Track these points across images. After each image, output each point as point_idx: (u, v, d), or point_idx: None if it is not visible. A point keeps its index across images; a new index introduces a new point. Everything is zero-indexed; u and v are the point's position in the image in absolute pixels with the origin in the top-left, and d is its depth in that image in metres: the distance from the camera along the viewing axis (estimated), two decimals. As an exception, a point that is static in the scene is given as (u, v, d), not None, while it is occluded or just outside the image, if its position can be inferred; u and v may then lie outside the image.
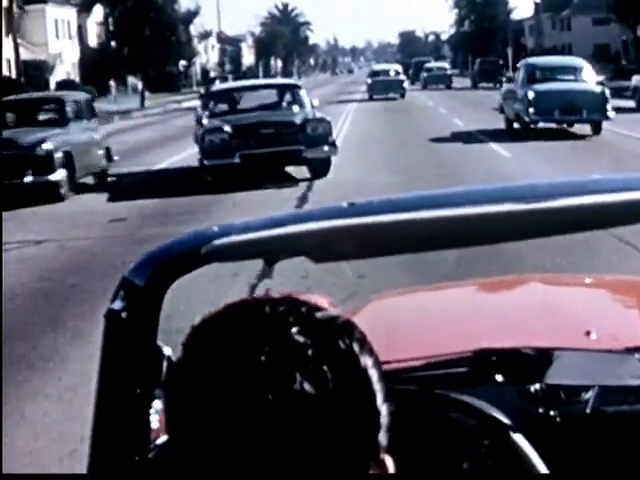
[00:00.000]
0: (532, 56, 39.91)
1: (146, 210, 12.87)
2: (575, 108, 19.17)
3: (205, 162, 15.01)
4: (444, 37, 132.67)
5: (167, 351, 1.37)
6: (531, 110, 19.43)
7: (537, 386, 1.70)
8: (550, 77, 20.76)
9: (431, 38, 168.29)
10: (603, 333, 1.99)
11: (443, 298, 2.78)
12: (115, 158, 17.23)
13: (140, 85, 48.12)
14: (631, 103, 27.89)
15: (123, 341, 1.36)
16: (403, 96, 41.48)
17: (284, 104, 16.77)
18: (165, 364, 1.36)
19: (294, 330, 0.82)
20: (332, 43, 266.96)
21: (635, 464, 1.68)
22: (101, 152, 16.70)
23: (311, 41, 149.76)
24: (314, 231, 1.33)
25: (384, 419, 0.85)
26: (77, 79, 57.32)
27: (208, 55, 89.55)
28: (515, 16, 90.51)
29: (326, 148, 14.96)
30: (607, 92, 19.74)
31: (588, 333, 1.97)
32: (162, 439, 1.46)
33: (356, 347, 0.84)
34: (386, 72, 45.37)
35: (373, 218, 1.33)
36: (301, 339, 0.82)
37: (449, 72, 51.95)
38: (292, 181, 14.73)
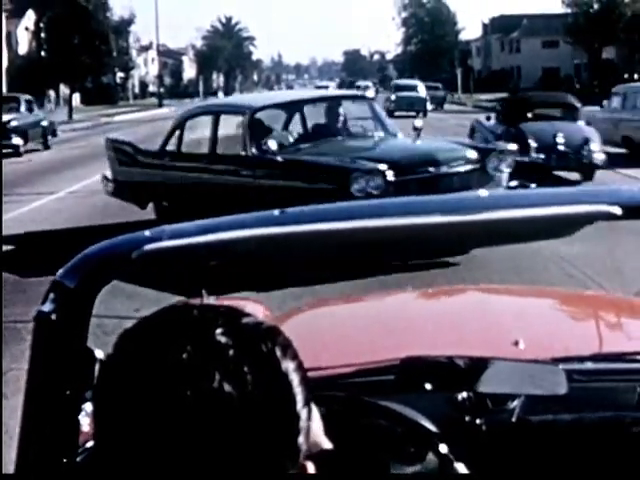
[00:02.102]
0: (479, 78, 59.26)
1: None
2: (412, 105, 41.53)
3: None
4: (389, 57, 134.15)
5: (99, 354, 1.42)
6: (392, 105, 41.31)
7: (464, 394, 1.79)
8: (404, 90, 44.38)
9: (376, 57, 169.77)
10: (531, 343, 2.09)
11: (377, 306, 2.86)
12: None
13: (68, 96, 47.39)
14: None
15: (53, 343, 1.41)
16: None
17: (364, 127, 11.34)
18: (97, 367, 1.41)
19: (218, 331, 0.87)
20: (276, 59, 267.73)
21: (559, 472, 1.78)
22: None
23: (255, 57, 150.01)
24: (245, 238, 1.39)
25: (304, 423, 0.88)
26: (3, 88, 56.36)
27: (148, 68, 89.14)
28: (464, 37, 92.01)
29: None
30: (428, 98, 42.91)
31: (516, 343, 2.06)
32: (91, 443, 1.50)
33: (278, 351, 0.88)
34: (325, 87, 69.84)
35: (304, 227, 1.40)
36: (223, 340, 0.86)
37: (372, 88, 73.21)
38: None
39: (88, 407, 1.47)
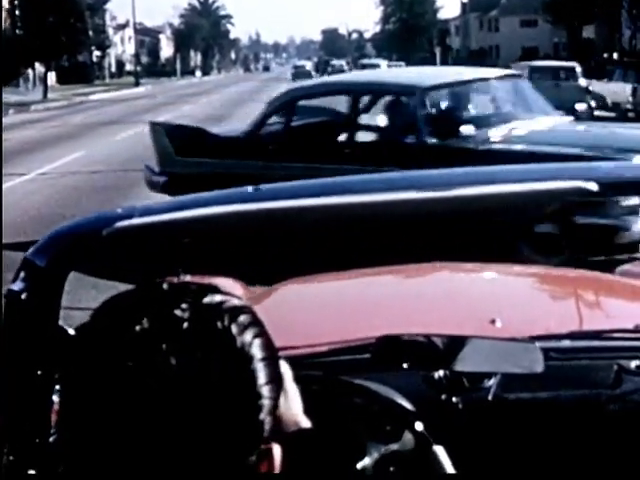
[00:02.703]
0: (458, 57, 61.87)
1: None
2: None
3: None
4: (367, 35, 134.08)
5: (72, 332, 1.40)
6: None
7: (441, 373, 1.78)
8: (368, 68, 46.57)
9: (354, 36, 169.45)
10: (508, 321, 2.08)
11: (351, 284, 2.84)
12: None
13: (43, 75, 46.90)
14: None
15: (23, 322, 1.39)
16: (311, 77, 74.27)
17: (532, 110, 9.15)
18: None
19: (178, 307, 0.86)
20: (254, 38, 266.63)
21: (535, 450, 1.78)
22: None
23: (232, 35, 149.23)
24: (217, 215, 1.38)
25: (266, 401, 0.86)
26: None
27: (124, 46, 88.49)
28: (442, 15, 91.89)
29: None
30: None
31: (493, 321, 2.06)
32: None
33: (234, 328, 0.86)
34: (303, 66, 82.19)
35: (278, 203, 1.38)
36: (179, 314, 0.85)
37: (345, 67, 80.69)
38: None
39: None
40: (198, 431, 0.82)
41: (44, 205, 11.74)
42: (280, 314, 2.26)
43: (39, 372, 1.38)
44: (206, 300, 0.88)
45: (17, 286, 1.39)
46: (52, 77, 53.68)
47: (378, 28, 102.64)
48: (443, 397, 1.79)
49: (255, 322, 0.89)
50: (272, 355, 0.89)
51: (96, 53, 66.71)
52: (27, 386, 1.39)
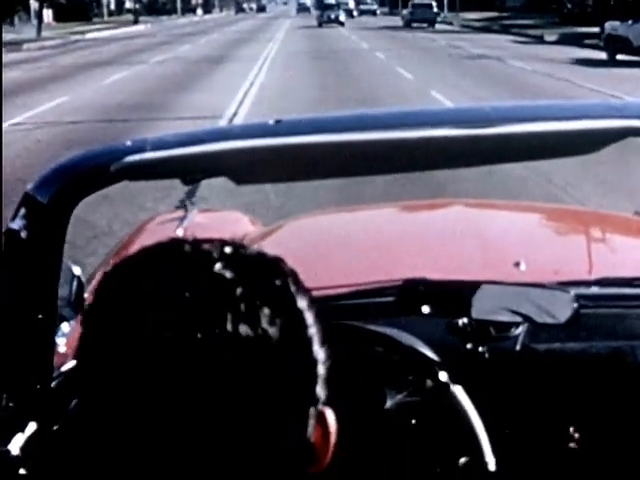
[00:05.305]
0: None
1: None
2: (332, 18, 64.16)
3: None
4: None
5: (76, 271, 1.34)
6: (320, 18, 65.17)
7: (465, 320, 1.71)
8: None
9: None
10: (533, 265, 2.00)
11: (366, 222, 2.72)
12: None
13: (39, 12, 46.34)
14: (601, 55, 25.42)
15: (23, 262, 1.31)
16: (309, 12, 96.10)
17: None
18: (75, 284, 1.33)
19: (218, 265, 0.77)
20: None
21: (563, 402, 1.71)
22: None
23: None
24: (235, 150, 1.30)
25: (321, 367, 0.81)
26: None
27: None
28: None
29: None
30: (353, 9, 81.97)
31: (517, 264, 1.98)
32: (67, 366, 1.43)
33: (292, 286, 0.79)
34: (304, 3, 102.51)
35: (300, 138, 1.30)
36: (228, 275, 0.76)
37: (350, 7, 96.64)
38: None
39: (64, 327, 1.39)
40: (248, 388, 0.75)
41: (5, 166, 10.91)
42: (290, 252, 2.15)
43: (41, 315, 1.32)
44: (244, 253, 0.80)
45: (17, 224, 1.31)
46: (49, 14, 53.15)
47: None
48: (468, 346, 1.71)
49: (297, 275, 0.82)
50: (319, 314, 0.82)
51: (94, -10, 65.93)
52: (29, 329, 1.32)
